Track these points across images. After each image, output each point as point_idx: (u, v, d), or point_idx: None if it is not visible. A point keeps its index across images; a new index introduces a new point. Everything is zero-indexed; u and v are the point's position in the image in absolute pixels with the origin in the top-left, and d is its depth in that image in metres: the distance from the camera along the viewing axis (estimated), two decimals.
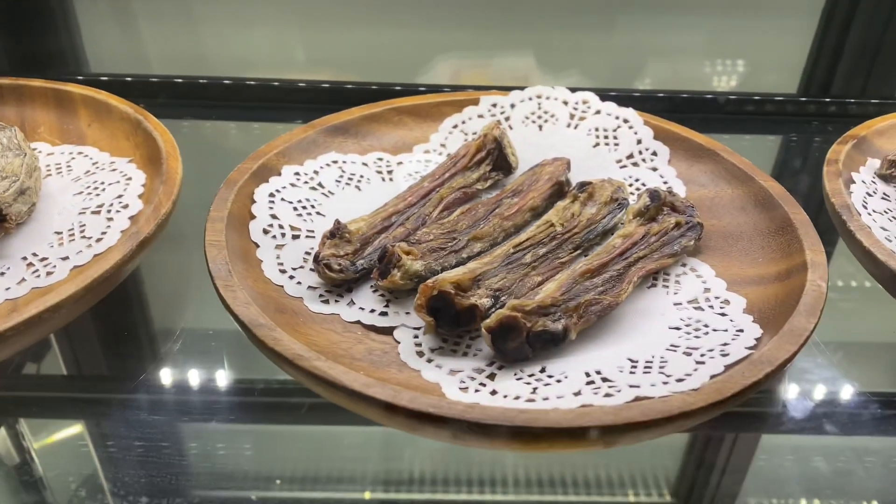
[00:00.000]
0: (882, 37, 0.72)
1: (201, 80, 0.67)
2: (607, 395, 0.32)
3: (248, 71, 0.72)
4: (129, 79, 0.67)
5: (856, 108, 0.68)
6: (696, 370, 0.33)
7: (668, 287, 0.41)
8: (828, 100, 0.71)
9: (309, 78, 0.71)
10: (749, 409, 0.42)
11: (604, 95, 0.56)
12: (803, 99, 0.71)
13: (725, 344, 0.35)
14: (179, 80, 0.67)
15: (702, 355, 0.35)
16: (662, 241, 0.43)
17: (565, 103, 0.55)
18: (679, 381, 0.32)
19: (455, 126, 0.55)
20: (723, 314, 0.39)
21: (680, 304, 0.40)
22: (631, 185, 0.50)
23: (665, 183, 0.50)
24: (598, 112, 0.54)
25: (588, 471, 0.39)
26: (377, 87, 0.69)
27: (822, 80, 0.75)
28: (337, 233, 0.41)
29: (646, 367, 0.34)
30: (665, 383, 0.32)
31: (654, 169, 0.51)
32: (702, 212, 0.47)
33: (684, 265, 0.43)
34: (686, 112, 0.70)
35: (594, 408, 0.31)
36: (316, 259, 0.40)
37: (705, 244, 0.45)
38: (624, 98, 0.68)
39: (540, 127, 0.54)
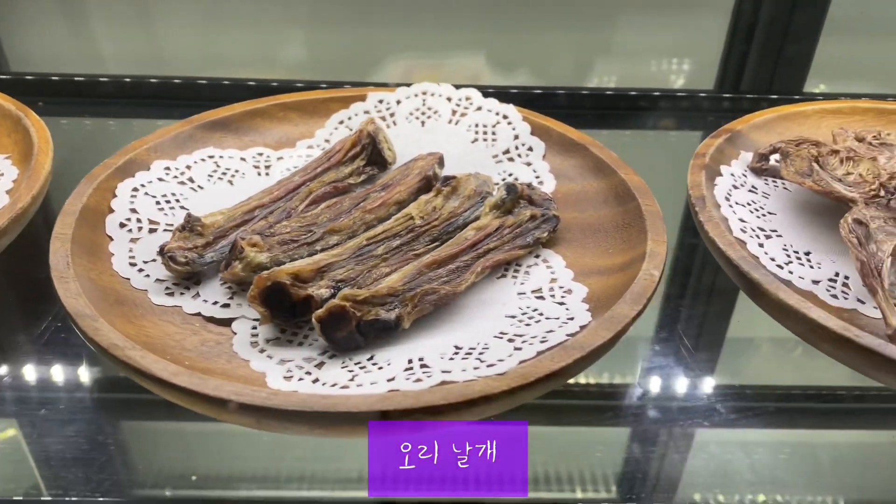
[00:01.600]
0: (785, 35, 0.73)
1: (77, 78, 0.68)
2: (417, 380, 0.33)
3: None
4: (4, 77, 0.67)
5: (748, 103, 0.70)
6: (510, 356, 0.34)
7: (516, 277, 0.42)
8: (729, 95, 0.73)
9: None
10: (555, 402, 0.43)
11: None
12: (705, 94, 0.73)
13: (550, 331, 0.36)
14: (77, 78, 0.67)
15: (523, 342, 0.35)
16: (516, 234, 0.43)
17: (449, 100, 0.56)
18: (490, 366, 0.33)
19: (341, 122, 0.55)
20: (561, 303, 0.39)
21: (524, 293, 0.41)
22: (504, 180, 0.51)
23: (537, 177, 0.51)
24: (479, 108, 0.55)
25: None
26: (302, 84, 0.69)
27: (733, 77, 0.77)
28: (188, 225, 0.41)
29: (466, 354, 0.35)
30: (476, 368, 0.33)
31: (529, 164, 0.52)
32: (568, 205, 0.48)
33: (538, 256, 0.43)
34: (595, 108, 0.72)
35: (396, 392, 0.31)
36: (161, 251, 0.40)
37: (565, 236, 0.45)
38: (556, 96, 0.70)
39: (423, 123, 0.55)
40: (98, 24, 0.74)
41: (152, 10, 0.73)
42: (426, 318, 0.38)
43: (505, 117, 0.54)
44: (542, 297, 0.40)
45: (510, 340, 0.36)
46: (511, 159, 0.52)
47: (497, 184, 0.49)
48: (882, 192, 0.45)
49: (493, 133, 0.54)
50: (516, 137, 0.53)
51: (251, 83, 0.70)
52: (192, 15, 0.75)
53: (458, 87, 0.56)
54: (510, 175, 0.51)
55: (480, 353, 0.35)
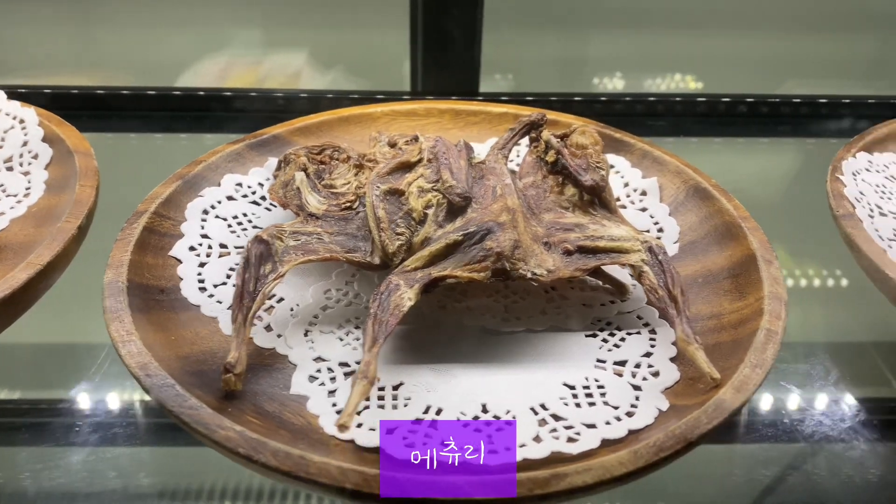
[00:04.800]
0: (449, 36, 0.70)
1: None
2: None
3: None
4: None
5: None
6: None
7: None
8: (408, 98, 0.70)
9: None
10: None
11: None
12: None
13: None
14: None
15: None
16: None
17: None
18: None
19: None
20: None
21: None
22: None
23: (27, 189, 0.46)
24: None
25: None
26: None
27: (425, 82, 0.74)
28: None
29: None
30: None
31: (27, 173, 0.47)
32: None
33: None
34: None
35: None
36: None
37: None
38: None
39: None
40: None
41: None
42: None
43: (21, 122, 0.49)
44: None
45: None
46: (10, 168, 0.47)
47: None
48: (356, 205, 0.42)
49: (3, 139, 0.49)
50: (24, 144, 0.48)
51: None
52: None
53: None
54: (3, 191, 0.46)
55: None
